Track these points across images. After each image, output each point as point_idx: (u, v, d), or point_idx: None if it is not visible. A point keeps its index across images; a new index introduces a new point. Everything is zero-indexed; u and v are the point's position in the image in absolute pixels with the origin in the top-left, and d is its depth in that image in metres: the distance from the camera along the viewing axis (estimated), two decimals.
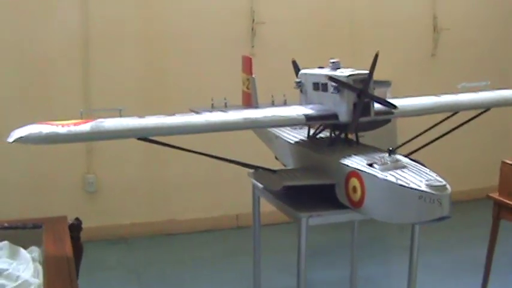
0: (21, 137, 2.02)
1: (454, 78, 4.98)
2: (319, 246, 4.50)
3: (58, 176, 4.25)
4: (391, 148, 2.30)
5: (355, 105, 2.39)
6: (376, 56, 2.39)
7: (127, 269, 4.03)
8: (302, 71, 2.78)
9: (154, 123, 2.24)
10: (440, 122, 2.84)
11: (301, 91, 2.77)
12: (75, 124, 2.14)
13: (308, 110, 2.48)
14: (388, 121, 2.60)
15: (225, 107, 3.32)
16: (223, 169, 4.58)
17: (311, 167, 2.52)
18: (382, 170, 2.13)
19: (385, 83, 5.03)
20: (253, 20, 4.54)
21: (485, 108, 2.79)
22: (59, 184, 4.24)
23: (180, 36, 4.48)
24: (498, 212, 3.29)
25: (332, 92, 2.46)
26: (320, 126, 2.70)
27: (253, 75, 3.29)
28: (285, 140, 2.85)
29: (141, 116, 2.30)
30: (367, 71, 2.42)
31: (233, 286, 3.84)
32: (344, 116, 2.42)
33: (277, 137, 2.96)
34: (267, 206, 4.69)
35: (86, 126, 2.13)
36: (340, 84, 2.37)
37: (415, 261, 2.66)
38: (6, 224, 2.52)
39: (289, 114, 2.45)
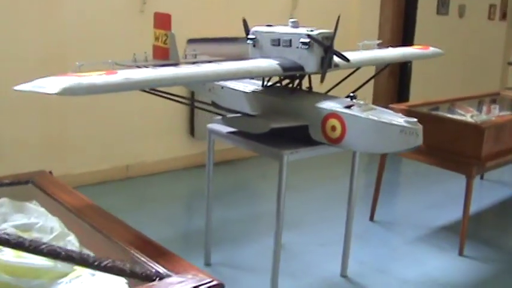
0: (65, 88, 2.08)
1: None
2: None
3: None
4: (351, 94, 2.82)
5: (322, 58, 2.83)
6: (338, 18, 2.84)
7: None
8: (254, 29, 3.12)
9: (176, 73, 2.43)
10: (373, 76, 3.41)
11: (254, 46, 3.11)
12: (106, 75, 2.26)
13: (279, 63, 2.84)
14: None
15: (146, 61, 3.50)
16: (111, 123, 4.73)
17: (281, 112, 2.90)
18: (362, 111, 2.63)
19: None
20: None
21: (406, 61, 3.44)
22: None
23: None
24: None
25: (299, 47, 2.85)
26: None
27: (172, 31, 3.50)
28: (236, 90, 3.17)
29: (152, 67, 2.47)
30: (332, 31, 2.86)
31: (158, 230, 4.03)
32: (312, 68, 2.84)
33: (223, 87, 3.27)
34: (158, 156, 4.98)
35: (117, 77, 2.27)
36: (315, 41, 2.77)
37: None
38: None
39: (270, 65, 2.79)
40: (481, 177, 5.44)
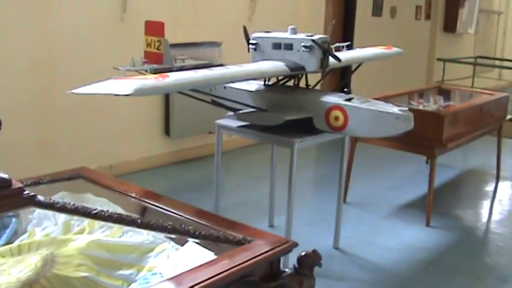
0: (136, 89, 2.43)
1: None
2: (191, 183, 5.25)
3: None
4: (346, 89, 3.32)
5: (321, 59, 3.29)
6: (333, 23, 3.32)
7: None
8: (255, 35, 3.53)
9: (222, 73, 2.84)
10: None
11: (255, 50, 3.52)
12: (159, 78, 2.63)
13: (286, 64, 3.28)
14: None
15: (143, 65, 3.83)
16: (96, 126, 5.01)
17: (287, 106, 3.34)
18: (361, 103, 3.12)
19: (217, 44, 5.94)
20: None
21: (376, 60, 3.97)
22: None
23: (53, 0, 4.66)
24: (356, 137, 4.51)
25: (300, 50, 3.30)
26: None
27: (166, 37, 3.85)
28: (240, 89, 3.56)
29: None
30: (328, 36, 3.33)
31: None
32: (312, 68, 3.30)
33: (225, 87, 3.65)
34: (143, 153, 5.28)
35: (171, 79, 2.63)
36: (317, 45, 3.23)
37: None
38: (44, 179, 2.73)
39: (279, 66, 3.23)
40: (426, 162, 6.09)
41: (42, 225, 2.45)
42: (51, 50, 4.65)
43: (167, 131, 5.61)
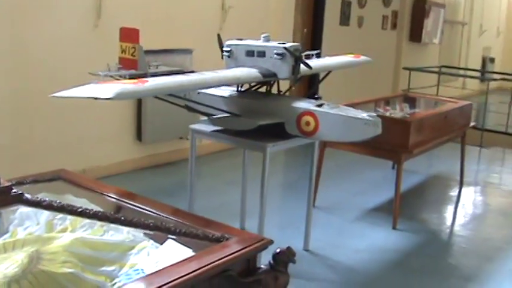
0: (117, 93, 2.51)
1: None
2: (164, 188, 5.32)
3: None
4: (316, 95, 3.45)
5: (293, 67, 3.41)
6: (305, 32, 3.45)
7: None
8: (228, 42, 3.64)
9: (199, 78, 2.93)
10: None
11: (228, 57, 3.63)
12: (139, 83, 2.71)
13: (259, 71, 3.40)
14: None
15: (118, 71, 3.91)
16: (69, 131, 5.06)
17: (260, 112, 3.45)
18: (331, 109, 3.25)
19: (188, 51, 6.03)
20: None
21: (345, 68, 4.12)
22: None
23: (29, 7, 4.69)
24: (324, 143, 4.66)
25: (272, 58, 3.41)
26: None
27: (141, 44, 3.93)
28: (213, 95, 3.65)
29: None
30: (299, 44, 3.46)
31: None
32: (284, 74, 3.42)
33: (199, 93, 3.74)
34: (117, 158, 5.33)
35: (150, 84, 2.72)
36: (289, 52, 3.35)
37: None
38: (26, 180, 2.78)
39: (252, 73, 3.34)
40: (393, 167, 6.27)
41: (24, 225, 2.49)
42: (26, 55, 4.68)
43: (139, 136, 5.67)
